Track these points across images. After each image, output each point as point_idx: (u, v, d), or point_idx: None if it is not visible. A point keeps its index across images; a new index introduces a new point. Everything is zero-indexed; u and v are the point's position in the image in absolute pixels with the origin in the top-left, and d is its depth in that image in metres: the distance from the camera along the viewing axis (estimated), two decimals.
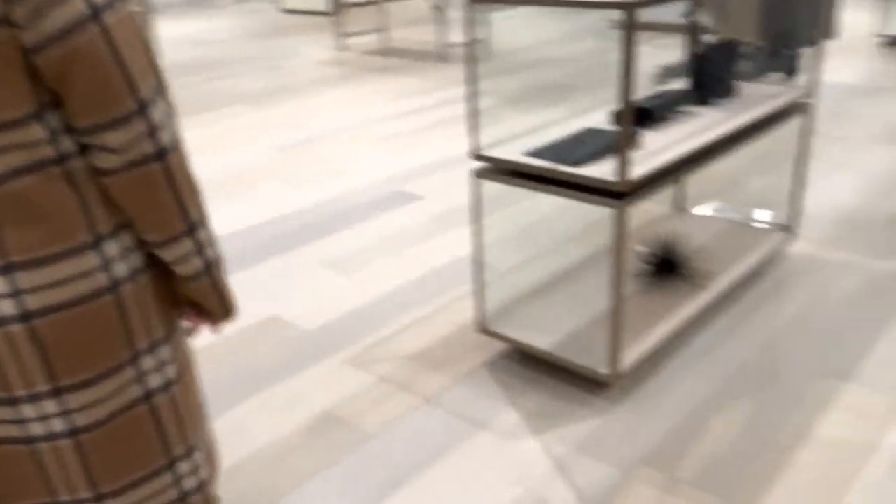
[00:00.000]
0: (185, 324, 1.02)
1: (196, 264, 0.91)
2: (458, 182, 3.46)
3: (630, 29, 1.55)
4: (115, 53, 0.78)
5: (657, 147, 1.90)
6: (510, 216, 3.07)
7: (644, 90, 4.81)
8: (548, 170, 1.78)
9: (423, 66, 6.01)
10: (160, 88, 0.83)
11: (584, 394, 1.93)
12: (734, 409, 1.86)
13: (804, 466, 1.66)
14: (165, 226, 0.87)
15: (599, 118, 2.17)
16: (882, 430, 1.76)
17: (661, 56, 5.83)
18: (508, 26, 7.54)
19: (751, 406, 1.87)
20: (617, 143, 1.87)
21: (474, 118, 1.91)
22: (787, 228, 2.59)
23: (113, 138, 0.80)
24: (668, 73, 4.62)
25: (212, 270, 0.94)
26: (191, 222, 0.88)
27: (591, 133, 1.98)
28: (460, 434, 1.81)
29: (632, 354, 1.92)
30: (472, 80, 1.88)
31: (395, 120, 4.54)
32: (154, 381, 0.93)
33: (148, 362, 0.92)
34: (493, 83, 5.34)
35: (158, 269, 0.93)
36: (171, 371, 0.95)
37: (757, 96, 2.35)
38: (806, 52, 4.45)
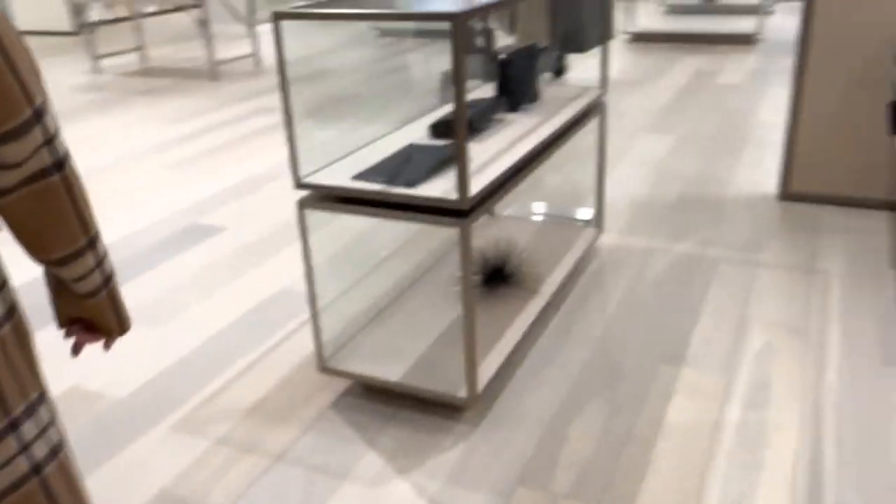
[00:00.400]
0: (74, 342, 0.94)
1: (97, 279, 0.86)
2: (259, 207, 3.25)
3: (458, 40, 1.49)
4: (6, 57, 0.70)
5: (485, 158, 1.87)
6: (327, 238, 2.92)
7: (430, 96, 4.86)
8: (382, 193, 1.68)
9: (193, 86, 5.63)
10: (45, 94, 0.75)
11: (443, 420, 1.86)
12: (589, 411, 1.88)
13: (665, 455, 1.71)
14: (69, 241, 0.81)
15: (416, 132, 2.10)
16: (722, 407, 1.87)
17: (433, 62, 5.93)
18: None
19: (603, 404, 1.90)
20: (452, 159, 1.81)
21: (292, 145, 1.76)
22: (594, 222, 2.70)
23: (11, 151, 0.73)
24: (450, 77, 4.70)
25: (110, 283, 0.89)
26: (91, 235, 0.83)
27: (416, 150, 1.90)
28: (323, 490, 1.66)
29: (485, 373, 1.88)
30: (285, 102, 1.72)
31: (175, 146, 4.18)
32: (40, 450, 0.81)
33: (30, 430, 0.79)
34: (274, 99, 5.12)
35: (17, 318, 0.81)
36: (55, 435, 0.83)
37: (559, 98, 2.41)
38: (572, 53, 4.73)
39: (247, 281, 2.62)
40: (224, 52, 6.82)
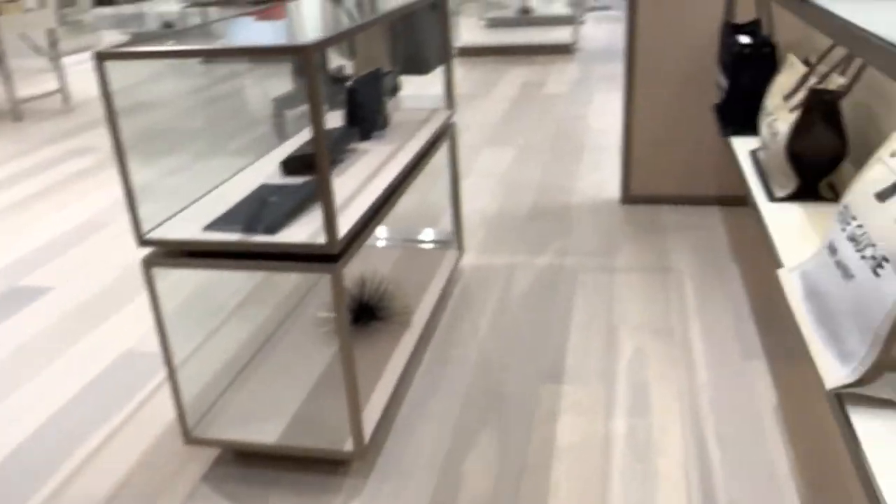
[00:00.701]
0: None
1: None
2: (86, 261, 2.94)
3: (311, 73, 1.39)
4: None
5: (347, 193, 1.76)
6: (172, 287, 2.68)
7: (265, 125, 4.66)
8: (240, 243, 1.54)
9: None
10: None
11: (330, 477, 1.73)
12: (480, 443, 1.82)
13: (562, 479, 1.69)
14: None
15: (265, 170, 1.96)
16: (607, 420, 1.87)
17: (263, 87, 5.72)
18: (82, 70, 6.77)
19: (493, 434, 1.85)
20: (313, 198, 1.70)
21: (131, 199, 1.57)
22: (454, 243, 2.66)
23: None
24: (282, 104, 4.53)
25: None
26: None
27: (270, 190, 1.77)
28: None
29: (369, 419, 1.77)
30: (118, 149, 1.53)
31: None
32: None
33: None
34: (93, 137, 4.71)
35: None
36: None
37: (409, 122, 2.35)
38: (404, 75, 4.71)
39: (85, 346, 2.34)
40: (26, 89, 6.22)
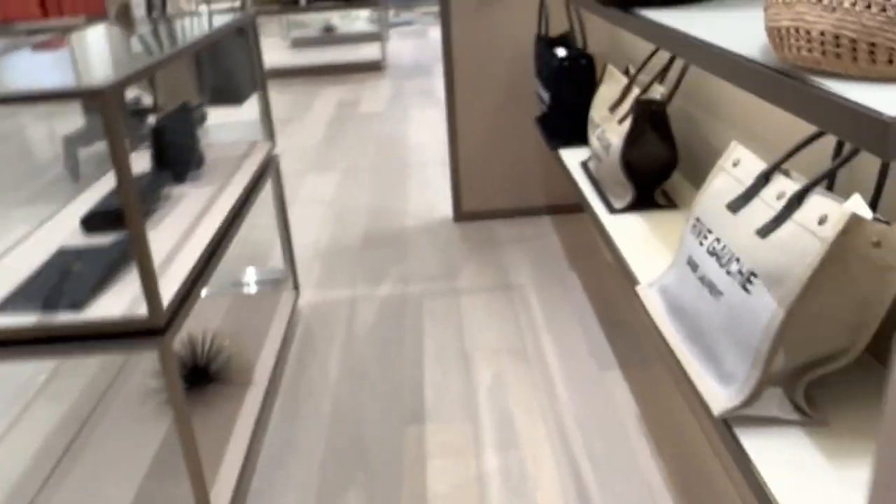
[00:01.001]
0: None
1: None
2: None
3: (112, 119, 1.18)
4: None
5: (166, 249, 1.55)
6: None
7: (55, 167, 4.18)
8: (39, 327, 1.28)
9: None
10: None
11: None
12: None
13: None
14: None
15: (61, 230, 1.69)
16: (478, 458, 1.78)
17: (48, 124, 5.17)
18: None
19: (361, 492, 1.70)
20: (125, 261, 1.46)
21: None
22: (289, 283, 2.48)
23: None
24: (75, 142, 4.09)
25: None
26: None
27: (71, 255, 1.51)
28: None
29: (219, 499, 1.56)
30: None
31: None
32: None
33: None
34: None
35: None
36: None
37: (227, 158, 2.15)
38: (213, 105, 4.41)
39: None
40: None
